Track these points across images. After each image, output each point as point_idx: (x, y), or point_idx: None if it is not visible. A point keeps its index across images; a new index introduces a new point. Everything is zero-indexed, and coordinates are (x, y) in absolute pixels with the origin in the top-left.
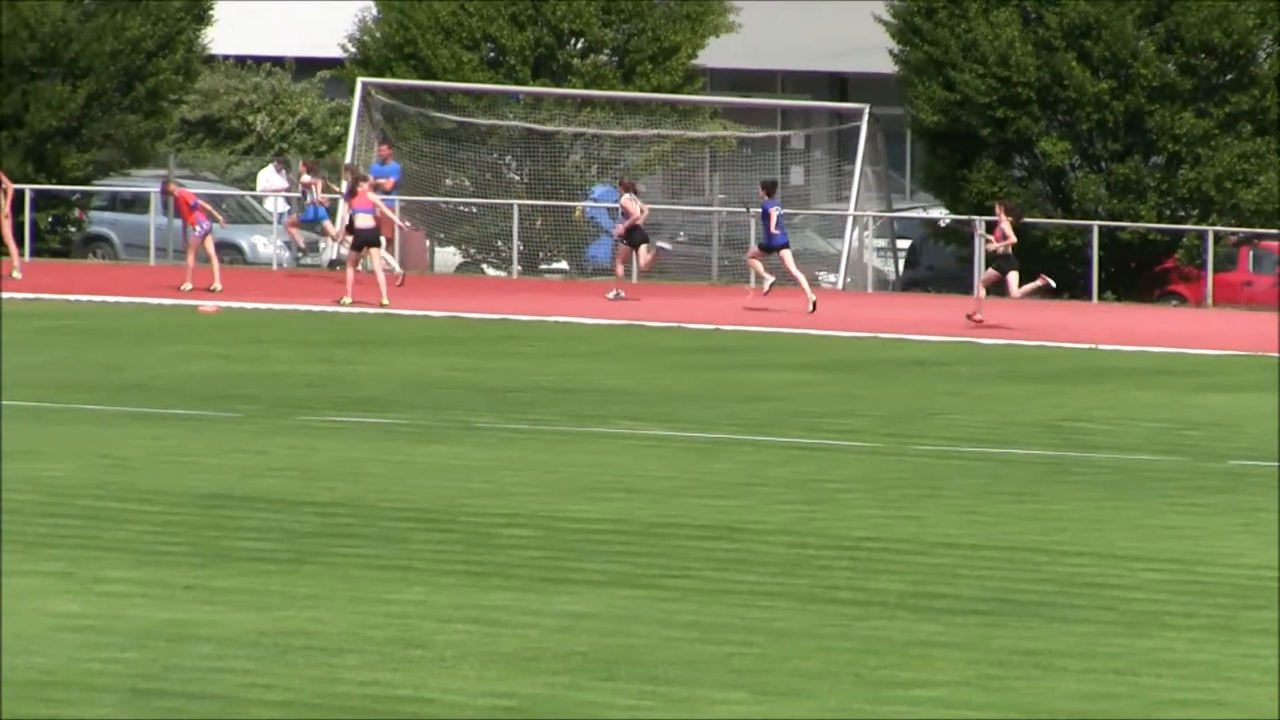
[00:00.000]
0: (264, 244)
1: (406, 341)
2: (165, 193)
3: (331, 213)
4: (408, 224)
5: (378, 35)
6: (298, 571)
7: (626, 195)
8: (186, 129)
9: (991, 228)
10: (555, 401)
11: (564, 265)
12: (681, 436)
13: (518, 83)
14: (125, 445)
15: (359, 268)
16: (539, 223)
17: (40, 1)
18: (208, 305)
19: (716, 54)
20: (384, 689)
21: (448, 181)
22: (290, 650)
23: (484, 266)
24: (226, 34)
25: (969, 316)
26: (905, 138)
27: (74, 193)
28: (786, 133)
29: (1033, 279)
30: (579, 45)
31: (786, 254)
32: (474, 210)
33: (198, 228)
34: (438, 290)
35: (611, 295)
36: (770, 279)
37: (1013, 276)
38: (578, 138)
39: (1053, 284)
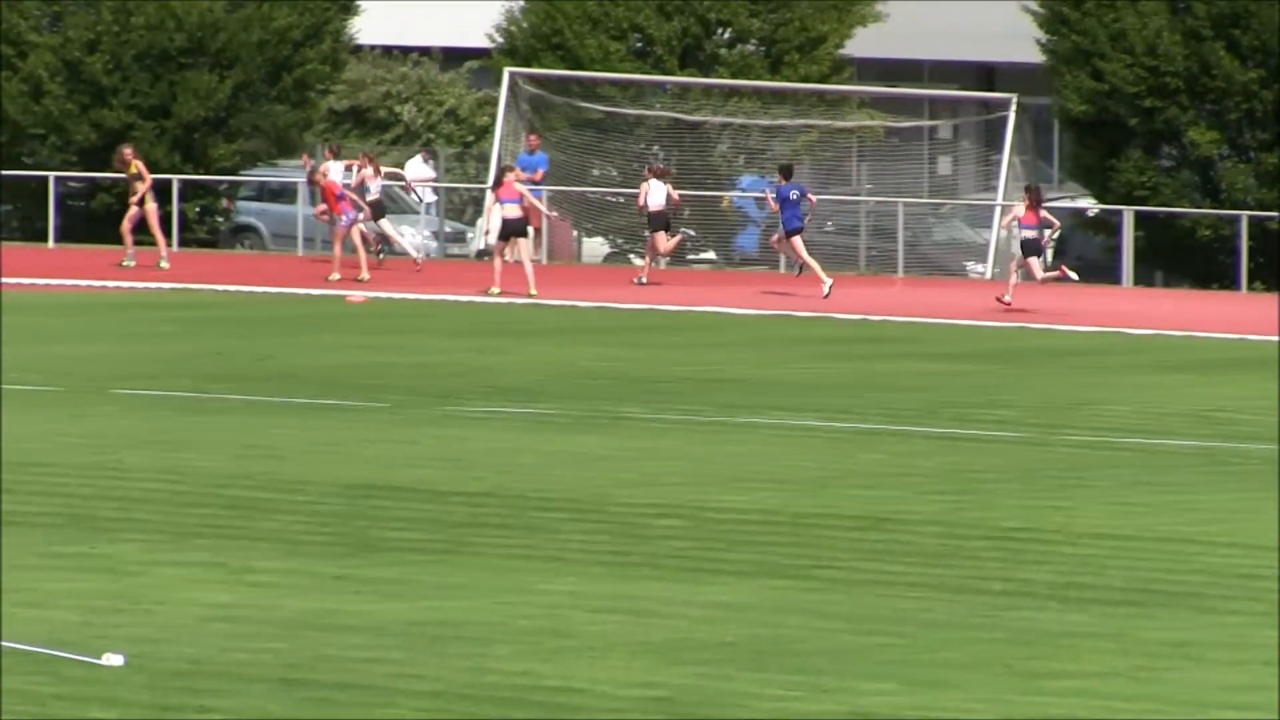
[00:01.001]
0: (412, 234)
1: (554, 331)
2: (311, 182)
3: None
4: (555, 214)
5: (525, 25)
6: (447, 562)
7: (654, 181)
8: (334, 119)
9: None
10: (704, 392)
11: (711, 255)
12: (830, 427)
13: (665, 73)
14: (274, 435)
15: (506, 257)
16: (686, 212)
17: None
18: (355, 295)
19: (863, 44)
20: (533, 679)
21: (595, 171)
22: (440, 640)
23: (631, 256)
24: (373, 24)
25: (999, 299)
26: (1053, 127)
27: (221, 183)
28: (934, 122)
29: (1054, 268)
30: (726, 35)
31: (798, 240)
32: (621, 200)
33: (344, 217)
34: (585, 280)
35: (636, 280)
36: (812, 263)
37: (1034, 261)
38: (725, 127)
39: (1074, 276)
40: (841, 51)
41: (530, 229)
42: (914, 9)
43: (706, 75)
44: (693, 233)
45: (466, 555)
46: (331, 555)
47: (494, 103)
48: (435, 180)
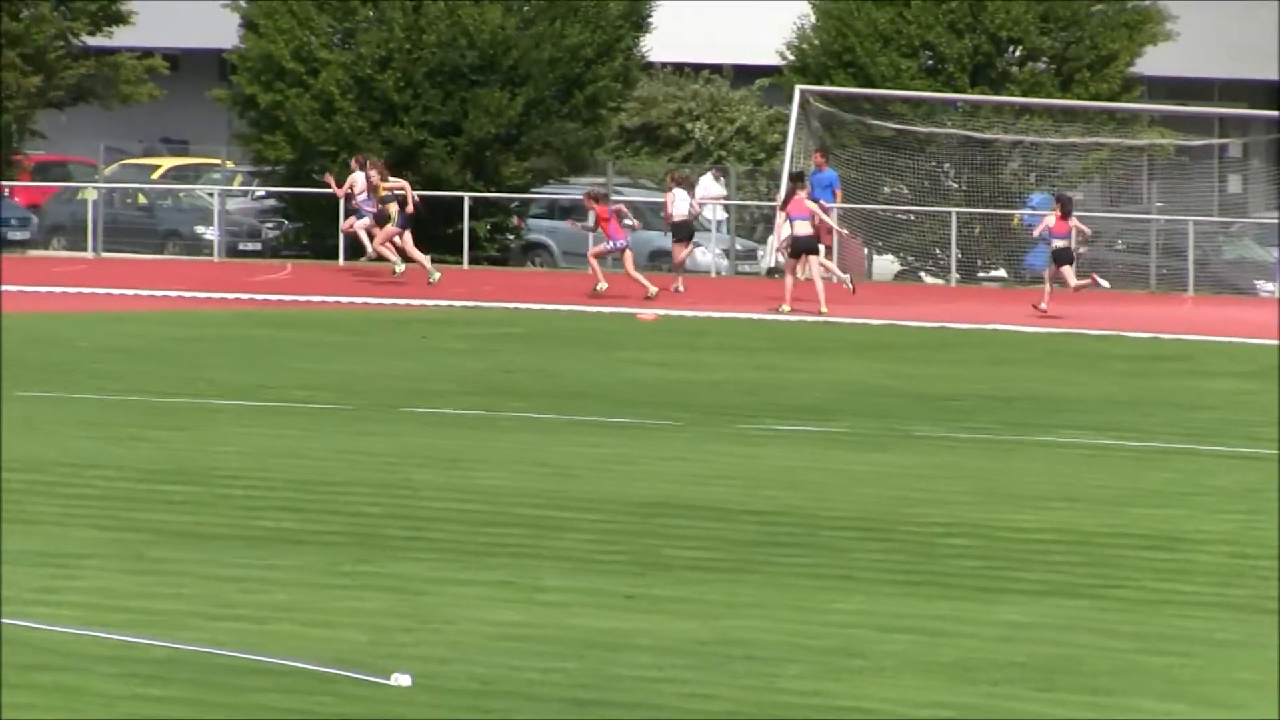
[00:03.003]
0: (701, 252)
1: (845, 349)
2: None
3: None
4: (845, 231)
5: (816, 43)
6: (738, 580)
7: (678, 190)
8: (625, 136)
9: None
10: (994, 409)
11: (1002, 272)
12: (1121, 445)
13: (956, 90)
14: (565, 453)
15: (799, 275)
16: (977, 230)
17: (479, 8)
18: (646, 313)
19: (1154, 61)
20: (825, 699)
21: (885, 189)
22: (731, 660)
23: (922, 274)
24: (665, 41)
25: (1035, 306)
26: None
27: (512, 200)
28: (1224, 141)
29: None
30: (1017, 53)
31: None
32: (911, 218)
33: (613, 241)
34: (876, 297)
35: (673, 288)
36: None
37: (1068, 270)
38: (1015, 145)
39: (1104, 284)
40: (1132, 69)
41: (821, 246)
42: (1205, 28)
43: (997, 93)
44: (700, 244)
45: (757, 574)
46: (622, 574)
47: (785, 120)
48: (726, 198)
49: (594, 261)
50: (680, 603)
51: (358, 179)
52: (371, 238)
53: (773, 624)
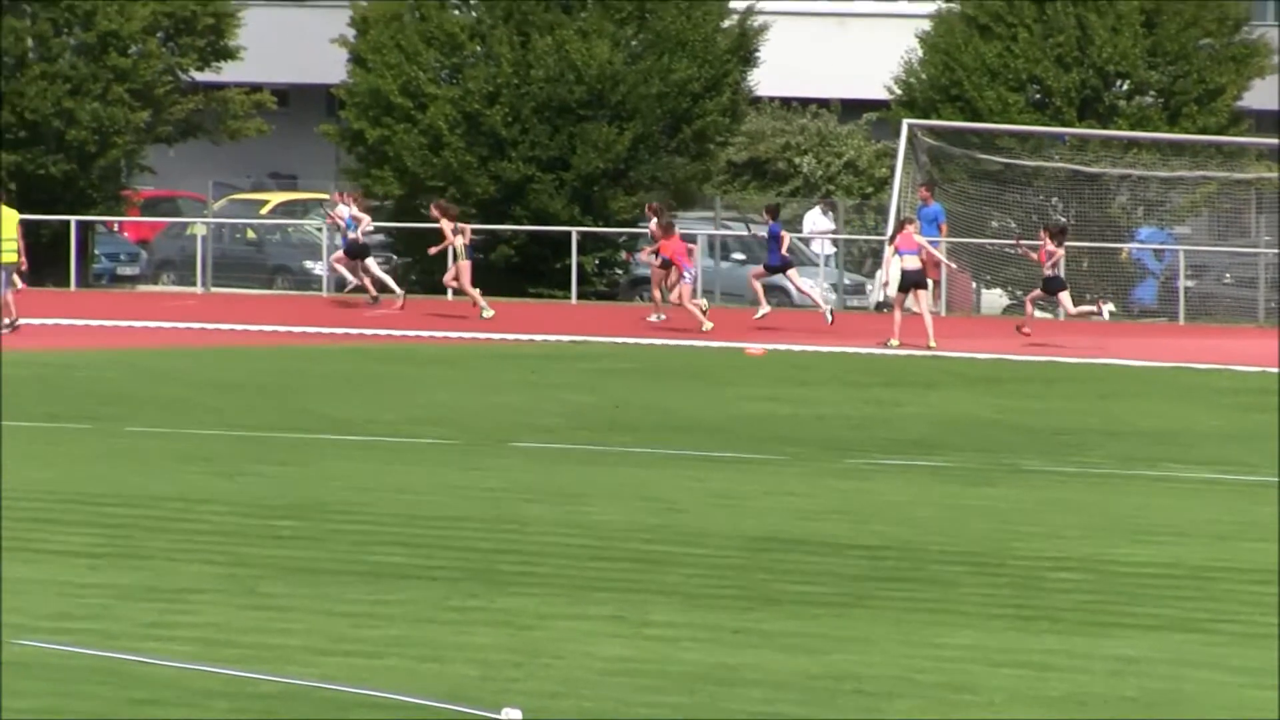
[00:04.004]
0: (810, 286)
1: (953, 383)
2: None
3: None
4: (954, 265)
5: (923, 77)
6: (847, 614)
7: (654, 221)
8: (733, 171)
9: (1035, 250)
10: (1103, 443)
11: (1111, 306)
12: (1230, 479)
13: (1063, 124)
14: (673, 488)
15: (909, 308)
16: (1085, 264)
17: (587, 43)
18: (754, 347)
19: (1262, 95)
20: None
21: (993, 223)
22: (839, 694)
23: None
24: (772, 76)
25: (1018, 329)
26: None
27: (620, 235)
28: None
29: (1090, 303)
30: (1125, 87)
31: (793, 273)
32: (1019, 252)
33: (687, 274)
34: (984, 331)
35: (653, 319)
36: (767, 308)
37: (1064, 295)
38: (1123, 179)
39: (1106, 314)
40: (1239, 103)
41: (930, 281)
42: None
43: (1105, 127)
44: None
45: (866, 608)
46: (731, 608)
47: (893, 154)
48: (834, 232)
49: (690, 305)
50: (789, 637)
51: (342, 210)
52: (352, 270)
53: (881, 658)
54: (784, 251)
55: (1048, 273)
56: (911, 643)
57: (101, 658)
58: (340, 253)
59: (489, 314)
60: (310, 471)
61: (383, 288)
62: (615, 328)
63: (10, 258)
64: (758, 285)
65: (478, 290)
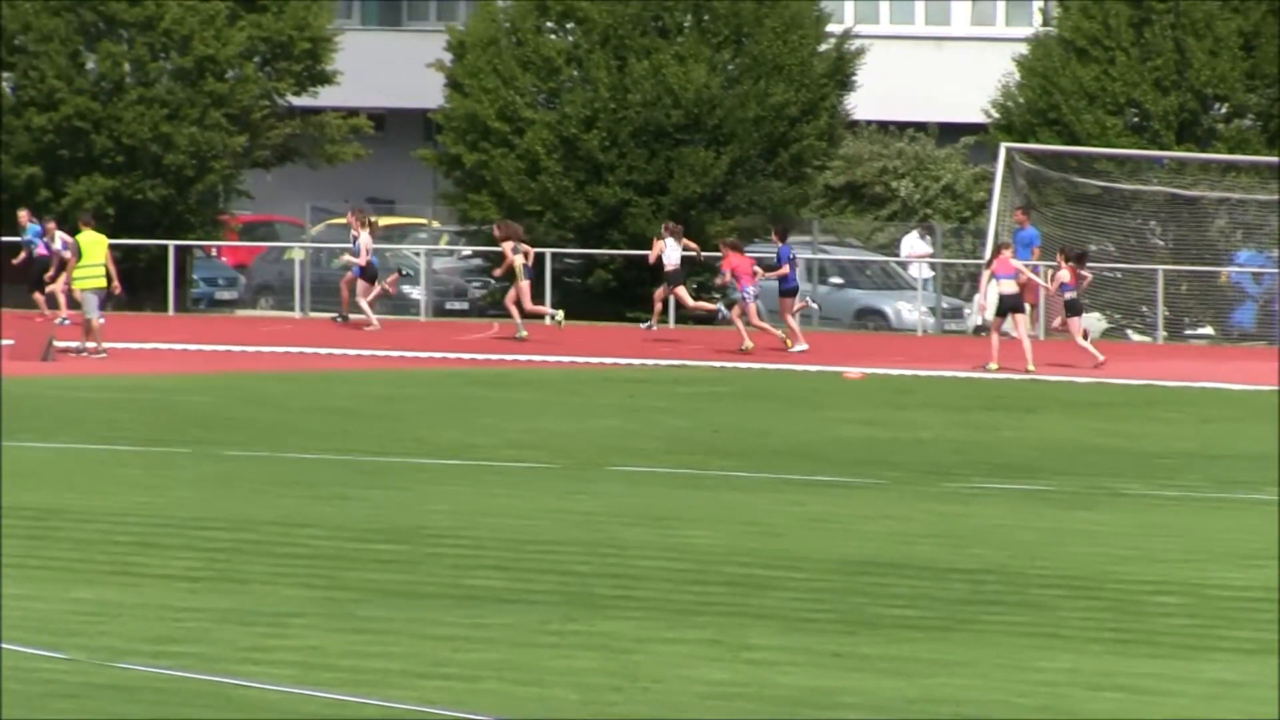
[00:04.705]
0: (907, 310)
1: (1052, 407)
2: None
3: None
4: (1050, 288)
5: (1021, 100)
6: (946, 638)
7: (667, 240)
8: (830, 195)
9: (1051, 276)
10: (1202, 467)
11: (1209, 330)
12: None
13: (1161, 147)
14: (772, 511)
15: (1010, 333)
16: (1183, 287)
17: (684, 67)
18: (852, 371)
19: None
20: None
21: (1091, 247)
22: (938, 718)
23: (1129, 331)
24: (870, 99)
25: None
26: None
27: (718, 259)
28: None
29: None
30: (1223, 110)
31: (796, 299)
32: (1118, 275)
33: (746, 292)
34: (1083, 356)
35: (645, 326)
36: (779, 331)
37: (1074, 322)
38: (1222, 203)
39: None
40: None
41: (1027, 305)
42: None
43: (1203, 150)
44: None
45: (965, 632)
46: (830, 632)
47: (990, 178)
48: (931, 256)
49: (762, 323)
50: (888, 661)
51: (364, 237)
52: (351, 292)
53: (980, 682)
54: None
55: (1068, 297)
56: (1010, 667)
57: (201, 681)
58: (352, 275)
59: (523, 335)
60: (409, 496)
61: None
62: (711, 351)
63: (99, 283)
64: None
65: (542, 305)
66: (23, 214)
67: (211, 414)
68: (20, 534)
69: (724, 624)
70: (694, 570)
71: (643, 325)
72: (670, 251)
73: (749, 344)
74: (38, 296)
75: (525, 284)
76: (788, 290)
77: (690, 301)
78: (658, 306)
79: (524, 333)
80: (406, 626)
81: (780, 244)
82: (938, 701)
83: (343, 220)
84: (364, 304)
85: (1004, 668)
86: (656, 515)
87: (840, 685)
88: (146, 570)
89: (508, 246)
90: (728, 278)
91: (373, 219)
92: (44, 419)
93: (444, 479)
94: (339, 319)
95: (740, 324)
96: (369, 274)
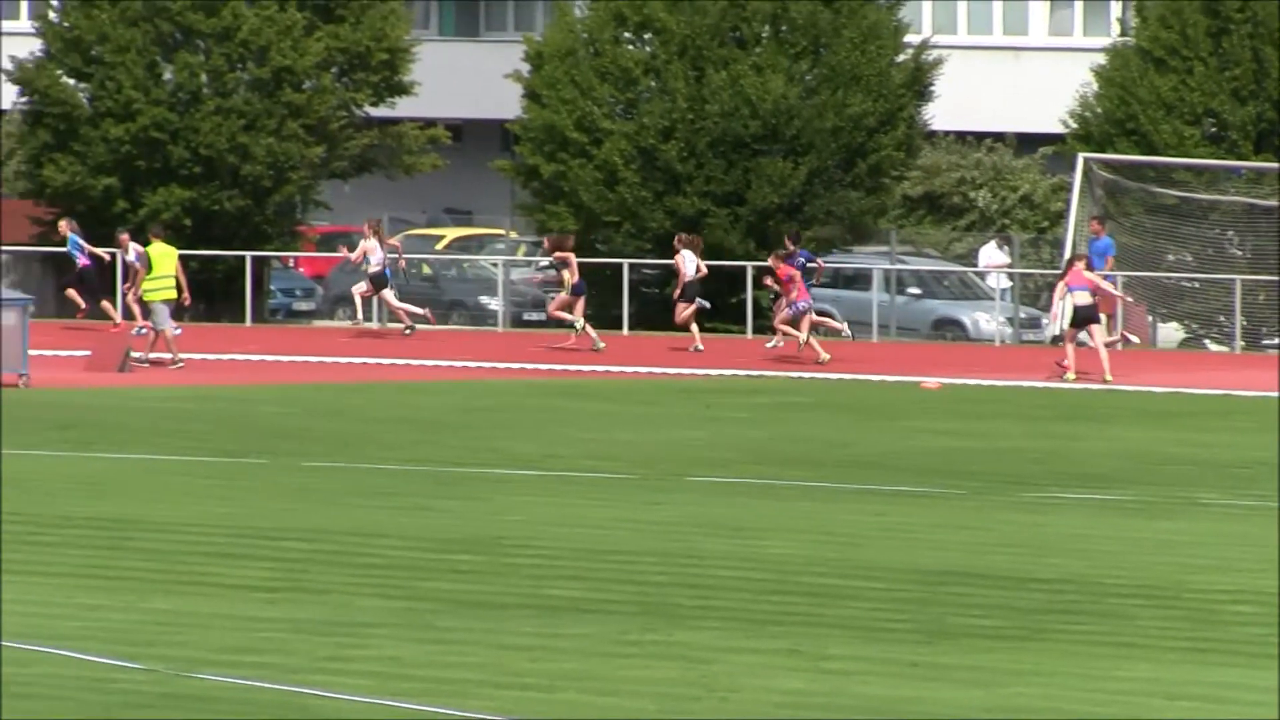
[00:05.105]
0: (985, 320)
1: (1130, 417)
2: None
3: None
4: (1130, 299)
5: (1099, 110)
6: (1023, 648)
7: (685, 252)
8: (908, 205)
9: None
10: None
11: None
12: None
13: (1240, 158)
14: (850, 521)
15: (1088, 343)
16: (1261, 297)
17: (762, 78)
18: (930, 382)
19: None
20: None
21: (1169, 257)
22: None
23: (1206, 341)
24: (947, 110)
25: (1058, 364)
26: None
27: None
28: None
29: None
30: None
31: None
32: (1196, 285)
33: (799, 304)
34: (1160, 365)
35: (691, 349)
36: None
37: (1095, 328)
38: None
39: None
40: None
41: (1102, 315)
42: None
43: None
44: (707, 304)
45: (1043, 642)
46: (908, 642)
47: (1068, 188)
48: (1010, 266)
49: (784, 328)
50: (966, 670)
51: (372, 247)
52: (365, 300)
53: (1058, 691)
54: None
55: (1081, 302)
56: (1088, 676)
57: (279, 691)
58: (364, 285)
59: (580, 337)
60: (487, 506)
61: (392, 316)
62: (790, 362)
63: (170, 294)
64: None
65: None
66: (63, 224)
67: (289, 425)
68: (97, 544)
69: (802, 634)
70: (772, 580)
71: (692, 349)
72: (688, 264)
73: (825, 355)
74: (72, 293)
75: (572, 296)
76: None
77: (683, 315)
78: (692, 325)
79: (585, 333)
80: (484, 637)
81: (797, 249)
82: (1015, 710)
83: (423, 230)
84: (355, 294)
85: (1081, 677)
86: (735, 525)
87: (918, 695)
88: (224, 580)
89: (565, 256)
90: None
91: (379, 229)
92: (121, 430)
93: (522, 489)
94: (406, 330)
95: (806, 336)
96: (379, 282)
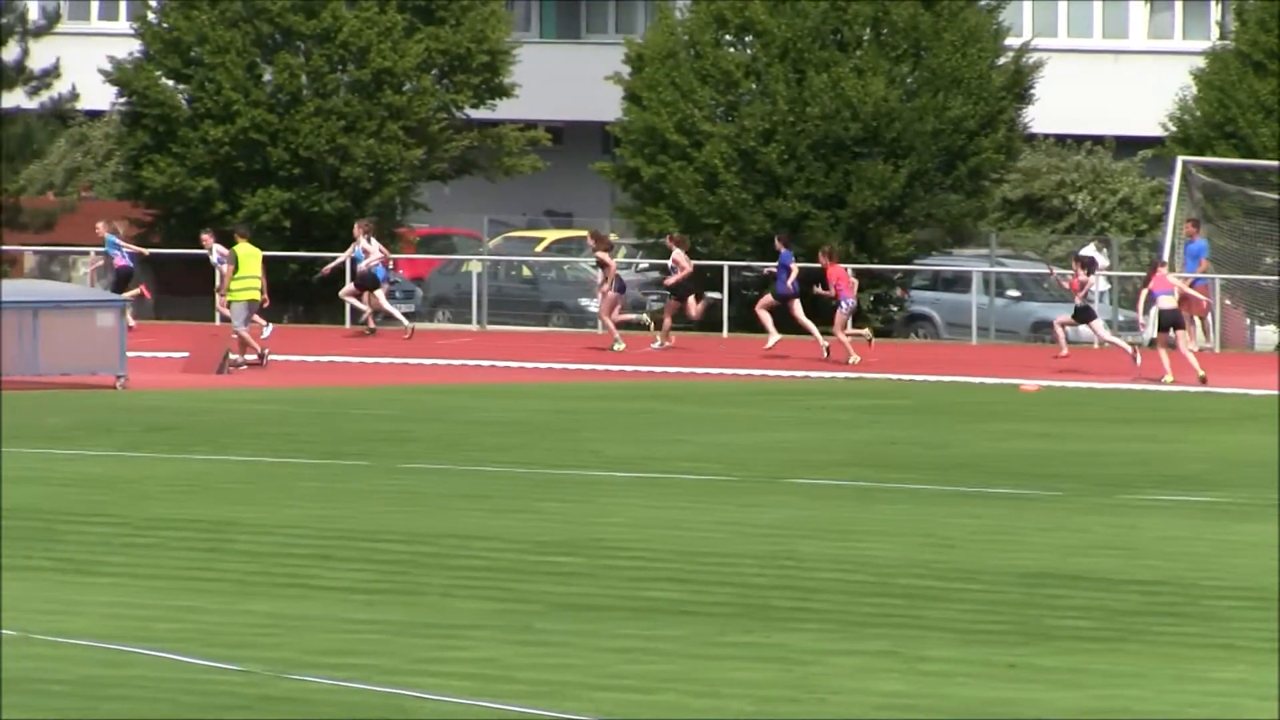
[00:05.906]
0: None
1: (1227, 419)
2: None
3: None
4: (1228, 302)
5: (1198, 114)
6: (1119, 650)
7: (677, 250)
8: (1007, 208)
9: (1068, 279)
10: None
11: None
12: None
13: None
14: (948, 524)
15: (1182, 347)
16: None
17: (863, 81)
18: (1029, 384)
19: None
20: None
21: (1267, 260)
22: None
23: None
24: (1047, 113)
25: (1055, 357)
26: None
27: (895, 272)
28: None
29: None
30: None
31: (796, 304)
32: None
33: (845, 303)
34: (1258, 368)
35: (656, 346)
36: (778, 336)
37: (1096, 324)
38: None
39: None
40: None
41: (1191, 317)
42: None
43: None
44: (718, 296)
45: (1139, 643)
46: (1005, 644)
47: (1167, 191)
48: (1109, 269)
49: (841, 335)
50: (1063, 672)
51: (365, 244)
52: (362, 301)
53: (1154, 693)
54: (790, 283)
55: (1078, 302)
56: (1184, 678)
57: (377, 693)
58: (351, 285)
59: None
60: (586, 508)
61: (388, 318)
62: (889, 364)
63: (253, 295)
64: (765, 315)
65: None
66: (100, 225)
67: (389, 427)
68: (196, 546)
69: (900, 636)
70: (870, 582)
71: (653, 346)
72: (681, 260)
73: (855, 357)
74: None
75: (614, 294)
76: (781, 296)
77: (697, 308)
78: (667, 321)
79: (620, 344)
80: (583, 639)
81: (783, 250)
82: (1112, 712)
83: (523, 232)
84: (347, 298)
85: (1177, 679)
86: (833, 528)
87: (1015, 697)
88: (322, 583)
89: (605, 255)
90: (833, 289)
91: (370, 230)
92: (221, 432)
93: (622, 492)
94: (368, 331)
95: (843, 337)
96: (369, 282)
